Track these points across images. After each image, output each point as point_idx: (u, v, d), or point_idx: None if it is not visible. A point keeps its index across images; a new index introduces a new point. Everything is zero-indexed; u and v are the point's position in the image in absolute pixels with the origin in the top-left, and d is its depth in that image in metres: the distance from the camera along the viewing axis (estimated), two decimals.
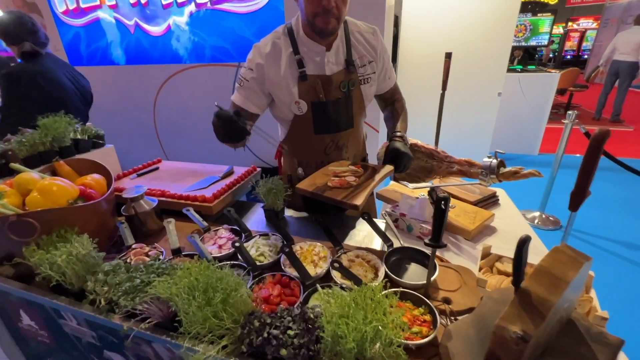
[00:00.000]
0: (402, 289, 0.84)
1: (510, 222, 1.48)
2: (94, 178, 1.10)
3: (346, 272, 0.85)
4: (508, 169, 1.23)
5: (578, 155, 4.36)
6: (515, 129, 4.44)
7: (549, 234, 2.86)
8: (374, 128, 2.60)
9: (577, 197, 0.56)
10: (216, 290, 0.66)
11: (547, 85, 4.19)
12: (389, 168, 1.12)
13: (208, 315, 0.64)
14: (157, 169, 1.62)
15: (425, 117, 4.39)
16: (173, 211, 1.26)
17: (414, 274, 0.94)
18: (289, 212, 1.40)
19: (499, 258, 1.15)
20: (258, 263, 0.97)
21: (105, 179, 1.18)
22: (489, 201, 1.63)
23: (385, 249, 1.03)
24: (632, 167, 2.53)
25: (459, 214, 1.45)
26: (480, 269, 1.11)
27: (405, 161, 1.13)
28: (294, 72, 1.11)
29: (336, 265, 0.86)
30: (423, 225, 1.37)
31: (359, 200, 0.91)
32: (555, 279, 0.50)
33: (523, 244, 0.53)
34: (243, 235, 1.09)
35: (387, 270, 0.91)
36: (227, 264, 0.97)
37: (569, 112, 2.54)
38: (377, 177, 1.05)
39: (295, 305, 0.77)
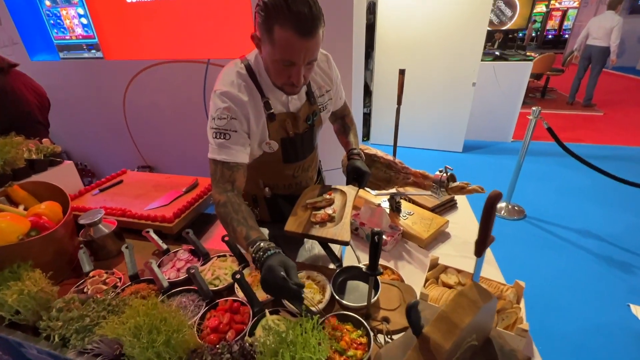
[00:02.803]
0: (343, 312, 0.91)
1: (464, 227, 1.57)
2: (48, 205, 1.11)
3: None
4: (456, 184, 1.29)
5: (547, 142, 4.52)
6: (489, 116, 4.53)
7: (514, 224, 3.01)
8: None
9: (481, 245, 0.62)
10: (160, 332, 0.71)
11: (522, 72, 4.26)
12: (355, 190, 1.20)
13: (151, 358, 0.69)
14: (120, 182, 1.62)
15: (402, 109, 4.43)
16: (134, 230, 1.29)
17: (360, 293, 1.01)
18: None
19: (445, 269, 1.24)
20: (214, 287, 1.02)
21: (62, 201, 1.19)
22: (447, 206, 1.71)
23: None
24: (586, 154, 2.66)
25: (415, 221, 1.53)
26: (426, 281, 1.19)
27: (366, 179, 1.20)
28: (263, 114, 1.05)
29: None
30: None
31: (347, 236, 0.98)
32: (452, 325, 0.56)
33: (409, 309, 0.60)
34: (201, 258, 1.13)
35: (332, 292, 0.97)
36: (183, 290, 1.01)
37: (534, 108, 2.61)
38: (349, 203, 1.12)
39: (238, 337, 0.83)
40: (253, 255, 0.84)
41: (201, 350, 0.72)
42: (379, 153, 1.50)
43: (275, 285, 0.77)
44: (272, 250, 0.83)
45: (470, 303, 0.60)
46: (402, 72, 1.49)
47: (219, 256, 1.14)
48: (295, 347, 0.68)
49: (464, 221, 1.62)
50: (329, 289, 0.99)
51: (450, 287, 1.16)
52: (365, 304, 0.93)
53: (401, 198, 1.65)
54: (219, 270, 1.07)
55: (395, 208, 1.59)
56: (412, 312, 0.58)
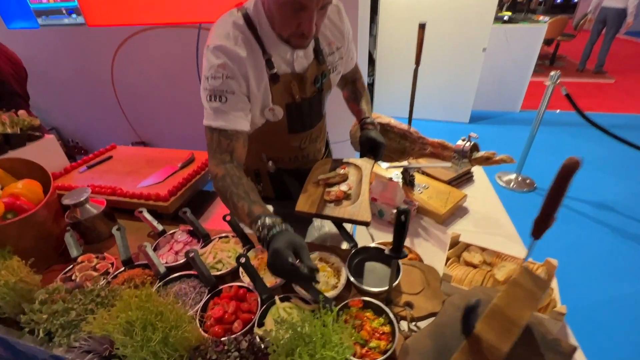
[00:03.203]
0: (362, 298, 0.82)
1: (483, 201, 1.46)
2: (25, 185, 0.98)
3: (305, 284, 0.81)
4: (481, 153, 1.17)
5: (559, 111, 4.34)
6: (498, 85, 4.31)
7: (524, 196, 2.92)
8: None
9: (541, 225, 0.49)
10: (156, 328, 0.61)
11: (534, 37, 4.00)
12: (370, 163, 1.06)
13: (146, 358, 0.59)
14: (110, 158, 1.48)
15: (405, 82, 4.18)
16: (127, 210, 1.17)
17: (379, 276, 0.92)
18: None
19: (467, 247, 1.14)
20: (216, 272, 0.92)
21: (43, 180, 1.06)
22: (463, 178, 1.59)
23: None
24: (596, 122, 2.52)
25: (431, 196, 1.42)
26: (447, 260, 1.10)
27: (382, 150, 1.07)
28: (265, 74, 0.90)
29: None
30: (394, 211, 1.33)
31: (368, 216, 0.86)
32: (508, 322, 0.46)
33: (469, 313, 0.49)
34: (200, 239, 1.03)
35: (349, 275, 0.88)
36: (182, 275, 0.91)
37: (552, 72, 2.43)
38: (365, 179, 0.99)
39: (246, 328, 0.74)
40: (258, 234, 0.73)
41: (205, 347, 0.63)
42: (392, 122, 1.36)
43: (283, 271, 0.67)
44: (277, 227, 0.72)
45: (526, 294, 0.50)
46: (422, 27, 1.32)
47: (220, 237, 1.04)
48: (315, 345, 0.58)
49: (482, 195, 1.51)
50: (344, 272, 0.90)
51: (474, 266, 1.06)
52: (386, 288, 0.84)
53: (415, 171, 1.53)
54: (222, 253, 0.96)
55: (409, 182, 1.47)
56: (471, 315, 0.47)
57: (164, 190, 1.17)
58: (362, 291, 0.87)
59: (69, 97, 3.16)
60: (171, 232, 1.07)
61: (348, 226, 1.09)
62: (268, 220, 0.73)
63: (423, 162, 1.63)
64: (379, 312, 0.80)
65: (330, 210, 0.90)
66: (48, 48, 2.84)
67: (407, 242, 1.15)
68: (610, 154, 3.38)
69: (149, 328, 0.61)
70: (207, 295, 0.84)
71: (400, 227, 0.71)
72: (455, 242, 1.15)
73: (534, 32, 4.00)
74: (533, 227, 0.51)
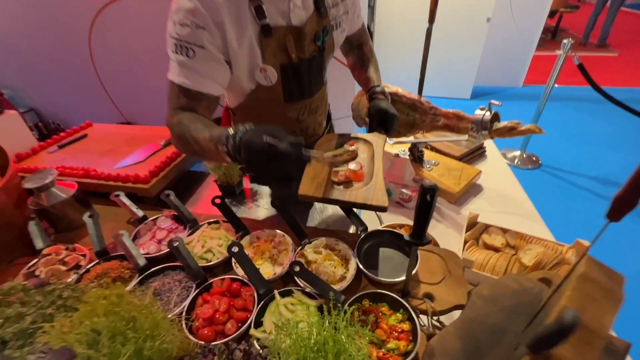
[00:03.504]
0: (376, 291, 0.70)
1: (497, 178, 1.34)
2: None
3: (309, 277, 0.69)
4: (503, 124, 1.04)
5: (565, 86, 4.19)
6: (501, 59, 4.13)
7: (528, 173, 2.82)
8: (342, 62, 2.27)
9: (624, 204, 0.37)
10: (127, 339, 0.49)
11: (540, 6, 3.78)
12: (382, 138, 0.92)
13: None
14: (84, 136, 1.32)
15: (406, 57, 3.96)
16: (103, 194, 1.03)
17: (392, 264, 0.80)
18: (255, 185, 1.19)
19: (486, 228, 1.03)
20: (205, 263, 0.80)
21: (1, 162, 0.92)
22: (475, 154, 1.47)
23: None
24: (614, 97, 2.39)
25: (442, 173, 1.30)
26: (465, 243, 0.99)
27: (395, 124, 0.92)
28: (253, 26, 0.75)
29: (296, 268, 0.69)
30: (403, 190, 1.21)
31: (385, 200, 0.72)
32: (587, 332, 0.34)
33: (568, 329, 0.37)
34: (187, 226, 0.90)
35: (359, 264, 0.76)
36: (166, 267, 0.79)
37: (565, 40, 2.27)
38: (378, 156, 0.85)
39: (241, 330, 0.62)
40: (226, 148, 0.63)
41: (190, 359, 0.51)
42: (400, 90, 1.22)
43: (262, 159, 0.59)
44: (246, 126, 0.63)
45: (604, 292, 0.38)
46: None
47: (209, 223, 0.91)
48: (326, 355, 0.47)
49: (495, 171, 1.39)
50: (353, 261, 0.78)
51: (496, 250, 0.96)
52: (403, 278, 0.73)
53: (425, 146, 1.40)
54: (211, 242, 0.84)
55: (418, 158, 1.34)
56: (557, 337, 0.34)
57: (144, 171, 1.03)
58: (374, 282, 0.76)
59: (45, 75, 2.92)
60: (153, 218, 0.94)
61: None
62: (232, 130, 0.64)
63: (430, 137, 1.49)
64: (395, 305, 0.69)
65: (340, 193, 0.76)
66: (15, 17, 2.58)
67: None
68: (611, 130, 3.28)
69: (118, 338, 0.49)
70: (195, 290, 0.72)
71: (426, 208, 0.58)
72: (473, 223, 1.04)
73: (540, 1, 3.78)
74: (611, 207, 0.39)
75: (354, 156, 0.81)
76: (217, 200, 0.89)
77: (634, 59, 5.24)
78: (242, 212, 1.05)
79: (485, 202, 1.22)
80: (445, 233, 1.10)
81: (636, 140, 3.13)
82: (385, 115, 0.91)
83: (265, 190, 1.16)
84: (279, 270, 0.77)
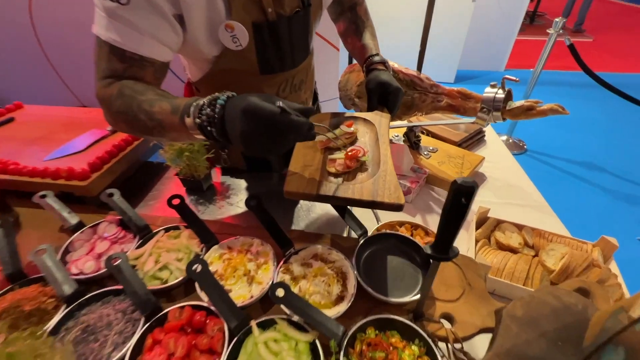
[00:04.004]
0: (383, 317, 0.55)
1: (500, 166, 1.22)
2: None
3: (297, 305, 0.52)
4: (518, 103, 0.89)
5: (548, 70, 4.16)
6: (485, 42, 4.04)
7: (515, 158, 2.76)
8: (333, 45, 2.08)
9: None
10: None
11: None
12: (386, 117, 0.73)
13: None
14: (11, 120, 1.07)
15: (400, 25, 3.74)
16: (29, 193, 0.81)
17: (399, 277, 0.64)
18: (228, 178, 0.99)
19: (498, 224, 0.89)
20: (159, 285, 0.61)
21: None
22: (474, 139, 1.34)
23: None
24: (604, 80, 2.34)
25: (442, 161, 1.15)
26: (476, 243, 0.85)
27: (399, 99, 0.75)
28: None
29: (279, 293, 0.52)
30: (400, 181, 1.06)
31: (400, 195, 0.54)
32: None
33: None
34: (137, 236, 0.70)
35: (360, 280, 0.60)
36: (106, 292, 0.59)
37: (556, 19, 2.17)
38: (383, 138, 0.66)
39: None
40: (199, 120, 0.48)
41: None
42: (397, 66, 1.04)
43: (271, 132, 0.44)
44: (223, 95, 0.49)
45: None
46: None
47: (167, 230, 0.71)
48: None
49: (497, 158, 1.26)
50: (352, 276, 0.61)
51: (513, 250, 0.82)
52: (417, 297, 0.57)
53: (421, 131, 1.25)
54: (167, 255, 0.64)
55: (414, 144, 1.18)
56: None
57: (82, 164, 0.81)
58: (379, 302, 0.60)
59: None
60: (92, 224, 0.73)
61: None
62: (204, 99, 0.49)
63: (424, 120, 1.34)
64: (407, 333, 0.54)
65: (340, 189, 0.56)
66: None
67: (418, 221, 0.88)
68: (594, 115, 3.29)
69: None
70: (143, 326, 0.53)
71: (459, 213, 0.42)
72: (483, 219, 0.90)
73: None
74: None
75: (353, 139, 0.63)
76: (175, 201, 0.69)
77: (608, 44, 5.33)
78: (211, 213, 0.86)
79: (490, 192, 1.09)
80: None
81: (622, 124, 3.15)
82: (387, 90, 0.73)
83: (240, 185, 0.97)
84: (257, 291, 0.59)
